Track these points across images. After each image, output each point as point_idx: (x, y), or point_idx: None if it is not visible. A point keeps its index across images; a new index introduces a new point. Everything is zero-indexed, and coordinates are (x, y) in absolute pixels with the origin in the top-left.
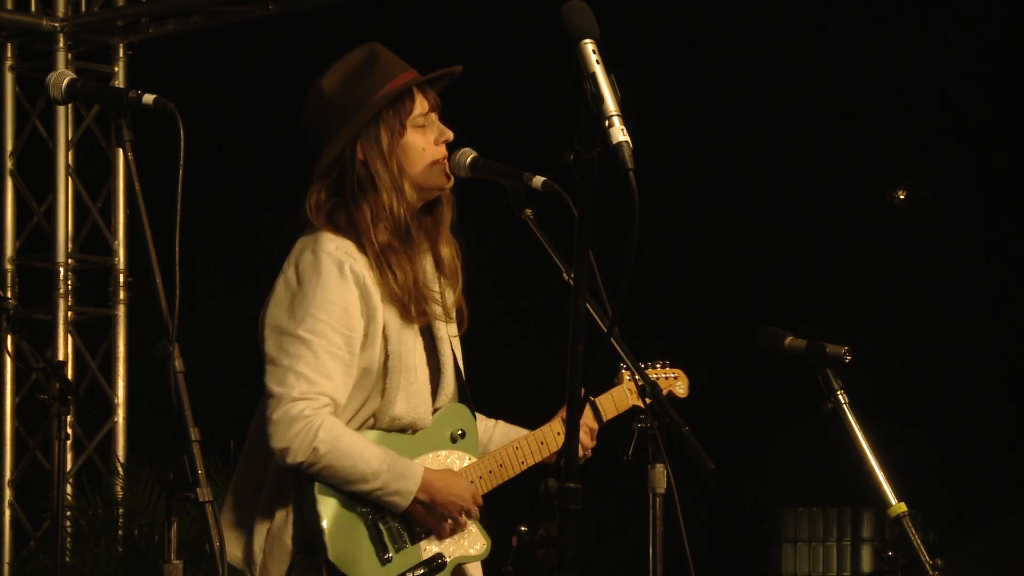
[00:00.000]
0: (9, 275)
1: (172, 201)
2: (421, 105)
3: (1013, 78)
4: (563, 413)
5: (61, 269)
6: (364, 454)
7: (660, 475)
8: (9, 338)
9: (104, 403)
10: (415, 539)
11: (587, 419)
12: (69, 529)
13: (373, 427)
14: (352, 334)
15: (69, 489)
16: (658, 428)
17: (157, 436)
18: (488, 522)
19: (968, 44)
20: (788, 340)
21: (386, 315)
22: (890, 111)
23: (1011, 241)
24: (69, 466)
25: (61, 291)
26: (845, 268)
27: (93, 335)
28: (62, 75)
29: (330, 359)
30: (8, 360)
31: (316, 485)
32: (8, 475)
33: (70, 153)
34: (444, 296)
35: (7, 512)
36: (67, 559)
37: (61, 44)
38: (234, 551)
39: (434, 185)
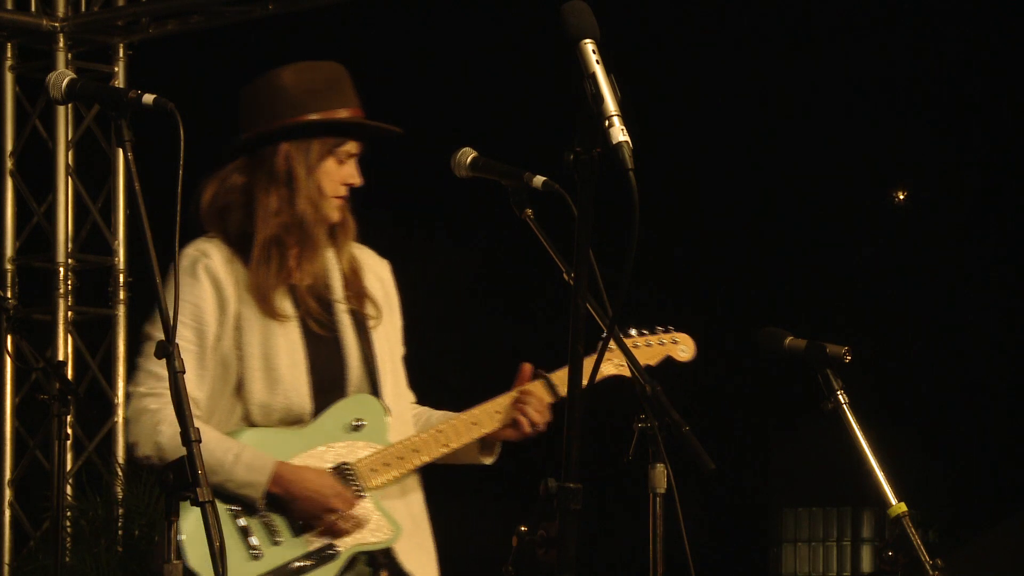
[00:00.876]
0: (9, 275)
1: (172, 201)
2: (353, 145)
3: (1013, 78)
4: (513, 393)
5: (61, 269)
6: (209, 446)
7: (660, 475)
8: (9, 338)
9: (104, 403)
10: (299, 531)
11: (540, 393)
12: (69, 529)
13: (251, 422)
14: (203, 328)
15: (69, 489)
16: (658, 428)
17: None
18: (488, 522)
19: (968, 44)
20: (788, 340)
21: (242, 307)
22: (890, 111)
23: (1011, 241)
24: (69, 466)
25: (61, 291)
26: (845, 268)
27: (93, 335)
28: (62, 75)
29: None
30: (8, 360)
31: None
32: (8, 475)
33: (70, 153)
34: (354, 300)
35: (7, 512)
36: (67, 559)
37: (61, 44)
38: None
39: (328, 216)
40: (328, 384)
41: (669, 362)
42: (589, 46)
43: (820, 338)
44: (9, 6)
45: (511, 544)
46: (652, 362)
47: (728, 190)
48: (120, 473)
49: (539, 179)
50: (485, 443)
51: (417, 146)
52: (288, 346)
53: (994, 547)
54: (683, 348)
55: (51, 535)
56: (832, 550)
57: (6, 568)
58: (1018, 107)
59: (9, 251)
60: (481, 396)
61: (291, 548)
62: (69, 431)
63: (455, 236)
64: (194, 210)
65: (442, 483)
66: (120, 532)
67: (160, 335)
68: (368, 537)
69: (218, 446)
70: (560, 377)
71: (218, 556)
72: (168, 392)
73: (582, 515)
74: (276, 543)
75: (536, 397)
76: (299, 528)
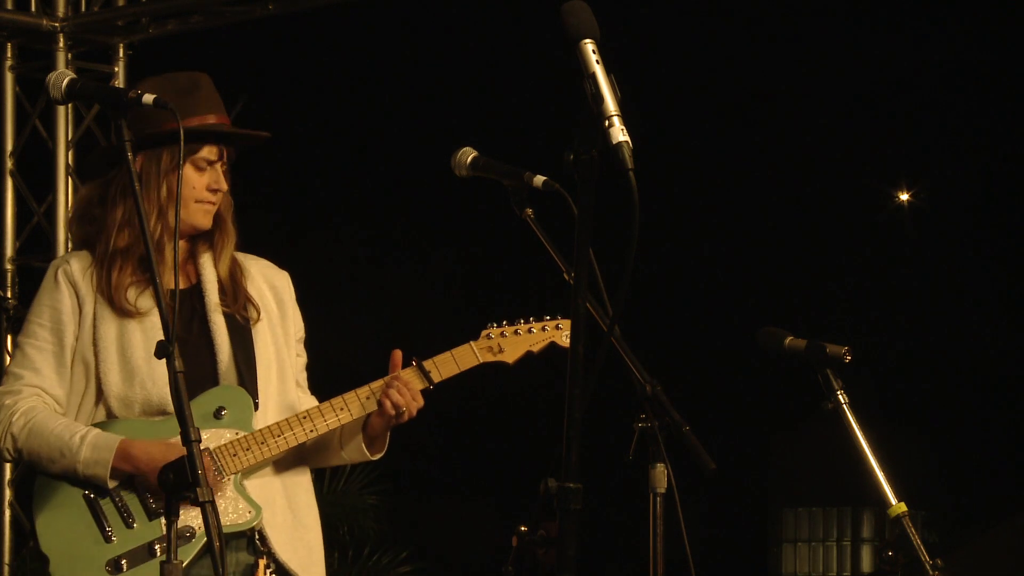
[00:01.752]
0: (9, 275)
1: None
2: (210, 152)
3: (1014, 78)
4: (386, 378)
5: None
6: (56, 430)
7: (660, 475)
8: (9, 338)
9: None
10: (154, 514)
11: (408, 378)
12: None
13: (112, 416)
14: (62, 328)
15: None
16: (658, 428)
17: None
18: (488, 522)
19: (969, 45)
20: (788, 340)
21: (98, 307)
22: (892, 112)
23: (1011, 242)
24: None
25: None
26: (846, 268)
27: None
28: (62, 75)
29: (37, 353)
30: (8, 360)
31: (38, 479)
32: (8, 475)
33: (70, 153)
34: (231, 303)
35: (7, 512)
36: None
37: (61, 44)
38: None
39: (192, 223)
40: (194, 377)
41: (553, 348)
42: (589, 46)
43: (820, 338)
44: (9, 6)
45: (511, 544)
46: (535, 348)
47: (728, 190)
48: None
49: (539, 179)
50: (369, 435)
51: (417, 146)
52: (146, 340)
53: (994, 547)
54: (566, 333)
55: None
56: (832, 550)
57: (6, 568)
58: (1019, 107)
59: (9, 251)
60: (475, 398)
61: (145, 531)
62: None
63: (450, 236)
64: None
65: (442, 483)
66: None
67: (28, 340)
68: (225, 519)
69: (65, 430)
70: (435, 363)
71: (218, 556)
72: (24, 388)
73: (582, 515)
74: (130, 526)
75: (403, 382)
76: (153, 511)
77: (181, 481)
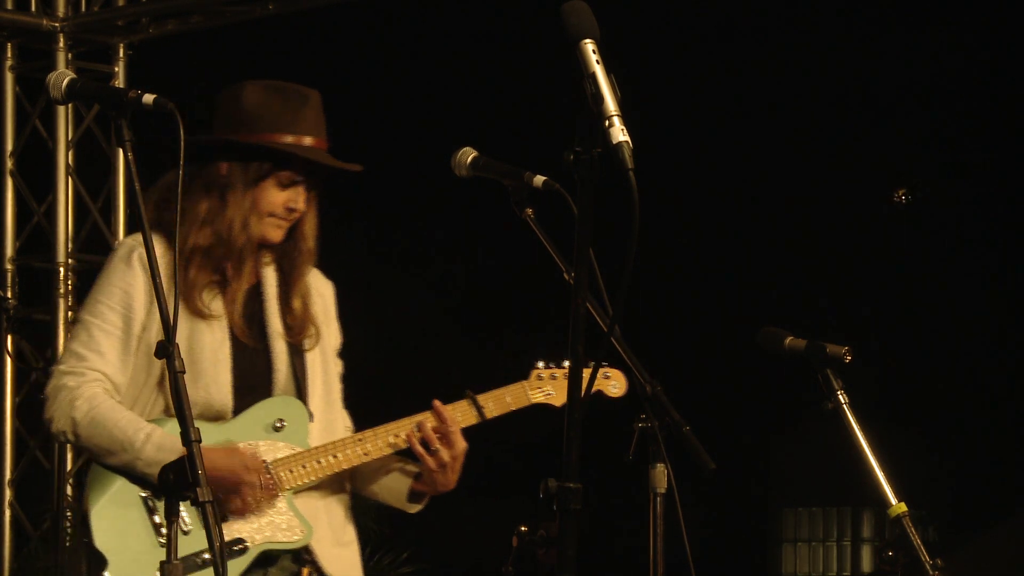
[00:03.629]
0: (9, 275)
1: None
2: (295, 174)
3: (1014, 78)
4: (437, 409)
5: (61, 269)
6: (120, 423)
7: (660, 475)
8: (9, 338)
9: None
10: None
11: (462, 413)
12: (69, 529)
13: (171, 414)
14: (131, 315)
15: (69, 489)
16: (658, 428)
17: None
18: (488, 522)
19: (969, 44)
20: (788, 340)
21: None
22: (891, 111)
23: (1012, 241)
24: (69, 466)
25: (61, 291)
26: (845, 268)
27: None
28: (62, 75)
29: (103, 336)
30: (8, 360)
31: (92, 467)
32: (8, 475)
33: (70, 153)
34: (295, 330)
35: (7, 512)
36: (67, 558)
37: (61, 44)
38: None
39: (261, 234)
40: (252, 386)
41: (600, 396)
42: (589, 46)
43: (820, 338)
44: (9, 6)
45: (511, 544)
46: (557, 403)
47: (728, 190)
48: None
49: (539, 179)
50: (414, 491)
51: (417, 146)
52: (213, 343)
53: (994, 547)
54: (615, 384)
55: (51, 535)
56: (832, 550)
57: (6, 568)
58: (1019, 107)
59: (9, 251)
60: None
61: (200, 539)
62: None
63: (450, 237)
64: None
65: None
66: None
67: (80, 314)
68: (278, 536)
69: (130, 424)
70: (490, 398)
71: (218, 556)
72: (88, 372)
73: (582, 515)
74: (185, 533)
75: (444, 419)
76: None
77: (181, 481)
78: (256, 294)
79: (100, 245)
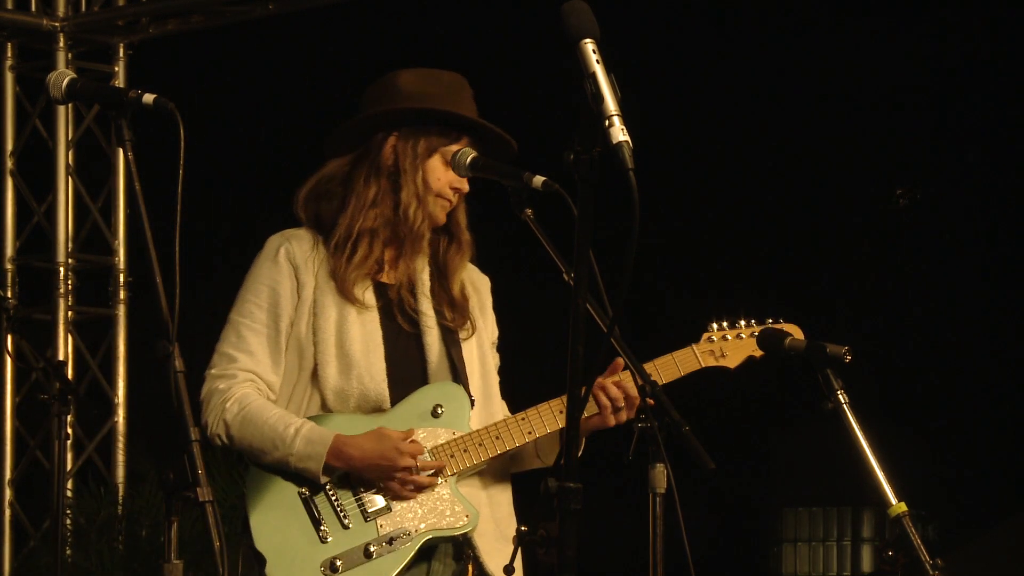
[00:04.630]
0: (9, 275)
1: (172, 201)
2: (465, 147)
3: (1014, 78)
4: (602, 382)
5: (61, 269)
6: (271, 421)
7: (660, 475)
8: (9, 338)
9: (104, 403)
10: (369, 515)
11: (630, 381)
12: (69, 529)
13: (327, 409)
14: (279, 312)
15: (69, 488)
16: (658, 428)
17: (158, 436)
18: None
19: (969, 44)
20: (788, 340)
21: (319, 294)
22: (891, 111)
23: (1012, 241)
24: (69, 466)
25: (61, 291)
26: (845, 268)
27: (93, 335)
28: (62, 75)
29: (252, 335)
30: (8, 360)
31: (250, 470)
32: (8, 475)
33: (70, 153)
34: (444, 303)
35: (7, 512)
36: (68, 558)
37: (61, 44)
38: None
39: (430, 214)
40: (406, 374)
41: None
42: (589, 46)
43: (820, 338)
44: (9, 6)
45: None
46: (757, 354)
47: (728, 190)
48: (121, 474)
49: (539, 179)
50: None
51: None
52: (364, 334)
53: (994, 547)
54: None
55: (51, 535)
56: (832, 550)
57: (6, 567)
58: (1019, 107)
59: (9, 251)
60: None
61: (361, 532)
62: (69, 431)
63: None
64: (292, 201)
65: None
66: (121, 532)
67: (230, 315)
68: (442, 523)
69: (279, 421)
70: (656, 366)
71: (219, 556)
72: (240, 372)
73: (582, 515)
74: (346, 527)
75: (622, 383)
76: (370, 513)
77: (181, 481)
78: (410, 283)
79: (100, 245)
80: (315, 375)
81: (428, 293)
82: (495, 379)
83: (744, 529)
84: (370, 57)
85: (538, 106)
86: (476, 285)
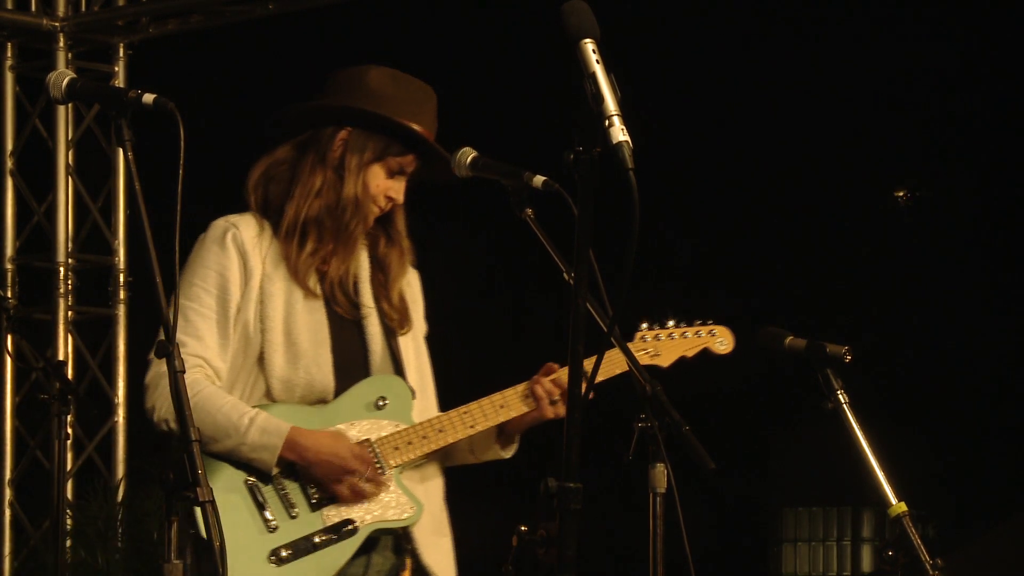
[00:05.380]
0: (9, 275)
1: (172, 201)
2: (409, 162)
3: (1014, 77)
4: (538, 378)
5: (61, 269)
6: (224, 408)
7: (660, 475)
8: (9, 338)
9: (104, 403)
10: (316, 505)
11: (565, 376)
12: (69, 529)
13: (272, 398)
14: (228, 297)
15: (69, 489)
16: (658, 427)
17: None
18: (489, 521)
19: (969, 43)
20: (788, 340)
21: (266, 281)
22: (890, 111)
23: (1012, 241)
24: (69, 466)
25: (61, 291)
26: (845, 268)
27: (93, 335)
28: (62, 75)
29: (201, 320)
30: (8, 360)
31: None
32: (8, 475)
33: (70, 153)
34: (383, 300)
35: (7, 511)
36: (68, 558)
37: (61, 43)
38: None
39: (364, 217)
40: (350, 365)
41: (706, 355)
42: (589, 46)
43: (820, 338)
44: (9, 5)
45: (511, 544)
46: (689, 353)
47: (728, 190)
48: (121, 474)
49: (539, 179)
50: (504, 434)
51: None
52: (312, 323)
53: (994, 547)
54: (721, 340)
55: (51, 535)
56: (832, 550)
57: (6, 567)
58: (1019, 106)
59: (9, 251)
60: (476, 395)
61: (308, 522)
62: (69, 431)
63: (452, 239)
64: (242, 185)
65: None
66: (120, 532)
67: (191, 304)
68: (388, 514)
69: (233, 410)
70: (588, 365)
71: (219, 555)
72: (189, 358)
73: (582, 515)
74: (293, 516)
75: (559, 377)
76: (316, 503)
77: (181, 480)
78: (351, 274)
79: (100, 245)
80: (261, 361)
81: (369, 285)
82: (430, 373)
83: (744, 529)
84: (370, 57)
85: (538, 106)
86: (408, 279)
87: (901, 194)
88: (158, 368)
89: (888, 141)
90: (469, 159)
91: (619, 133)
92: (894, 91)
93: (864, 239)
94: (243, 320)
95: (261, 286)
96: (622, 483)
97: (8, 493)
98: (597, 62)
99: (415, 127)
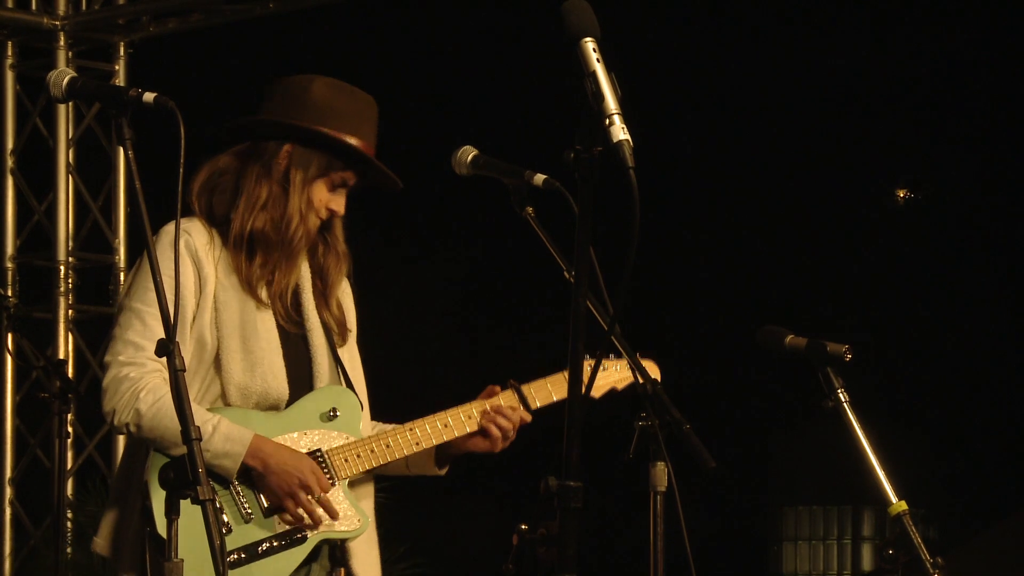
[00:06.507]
0: (10, 273)
1: (172, 199)
2: (350, 177)
3: (1014, 77)
4: (482, 398)
5: (62, 267)
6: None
7: (661, 473)
8: (10, 336)
9: None
10: (268, 511)
11: (511, 403)
12: (70, 528)
13: (227, 402)
14: (183, 302)
15: (69, 487)
16: (659, 426)
17: None
18: (489, 521)
19: (969, 43)
20: (788, 339)
21: (220, 288)
22: (891, 111)
23: (1012, 241)
24: (70, 464)
25: (62, 289)
26: (845, 267)
27: (94, 333)
28: (63, 73)
29: (159, 325)
30: (9, 358)
31: (152, 457)
32: (9, 473)
33: (71, 151)
34: (324, 310)
35: (8, 510)
36: (67, 557)
37: (62, 42)
38: (98, 538)
39: (308, 230)
40: (300, 375)
41: (635, 388)
42: (589, 44)
43: (820, 337)
44: (10, 4)
45: (511, 543)
46: (619, 386)
47: (728, 190)
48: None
49: (540, 177)
50: (441, 452)
51: (417, 145)
52: (265, 332)
53: (994, 546)
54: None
55: (51, 534)
56: (832, 548)
57: (7, 566)
58: (1019, 106)
59: (10, 249)
60: (475, 394)
61: (261, 527)
62: (70, 429)
63: (452, 238)
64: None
65: (443, 482)
66: None
67: (126, 302)
68: (337, 526)
69: (195, 415)
70: (531, 389)
71: (218, 554)
72: (149, 362)
73: (582, 514)
74: (247, 520)
75: (507, 408)
76: (269, 509)
77: (181, 480)
78: (296, 285)
79: (100, 244)
80: (218, 365)
81: (311, 295)
82: (363, 380)
83: (744, 528)
84: (370, 56)
85: (538, 106)
86: (343, 287)
87: (901, 194)
88: (118, 371)
89: (888, 141)
90: (470, 157)
91: (619, 132)
92: (894, 91)
93: (864, 239)
94: (199, 326)
95: (215, 294)
96: (622, 482)
97: (8, 492)
98: (598, 61)
99: (356, 143)
